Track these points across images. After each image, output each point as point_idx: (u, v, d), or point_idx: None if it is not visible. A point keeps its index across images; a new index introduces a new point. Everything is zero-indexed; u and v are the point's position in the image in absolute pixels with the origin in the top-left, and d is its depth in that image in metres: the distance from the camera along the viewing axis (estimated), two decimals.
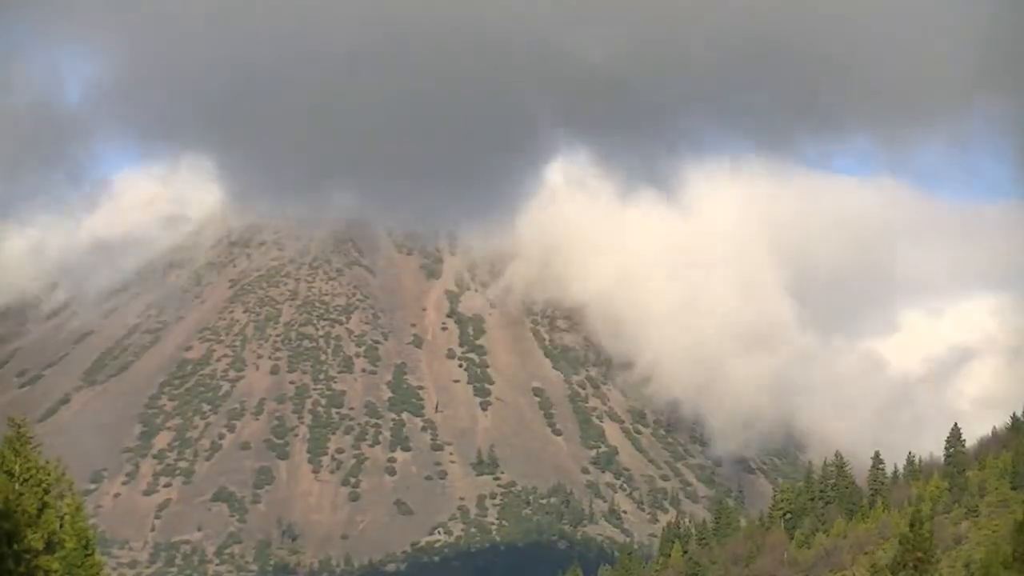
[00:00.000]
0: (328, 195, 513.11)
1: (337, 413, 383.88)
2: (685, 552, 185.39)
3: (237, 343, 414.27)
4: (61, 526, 52.32)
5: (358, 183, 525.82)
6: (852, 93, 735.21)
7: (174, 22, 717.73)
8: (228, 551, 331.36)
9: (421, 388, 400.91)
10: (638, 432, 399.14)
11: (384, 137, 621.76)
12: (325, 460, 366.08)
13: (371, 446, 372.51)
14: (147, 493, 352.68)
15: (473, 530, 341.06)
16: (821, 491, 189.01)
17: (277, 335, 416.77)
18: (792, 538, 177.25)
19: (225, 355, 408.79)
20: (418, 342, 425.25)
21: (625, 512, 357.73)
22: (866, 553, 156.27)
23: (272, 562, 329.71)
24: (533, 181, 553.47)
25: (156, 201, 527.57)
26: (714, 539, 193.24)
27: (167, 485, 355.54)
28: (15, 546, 47.62)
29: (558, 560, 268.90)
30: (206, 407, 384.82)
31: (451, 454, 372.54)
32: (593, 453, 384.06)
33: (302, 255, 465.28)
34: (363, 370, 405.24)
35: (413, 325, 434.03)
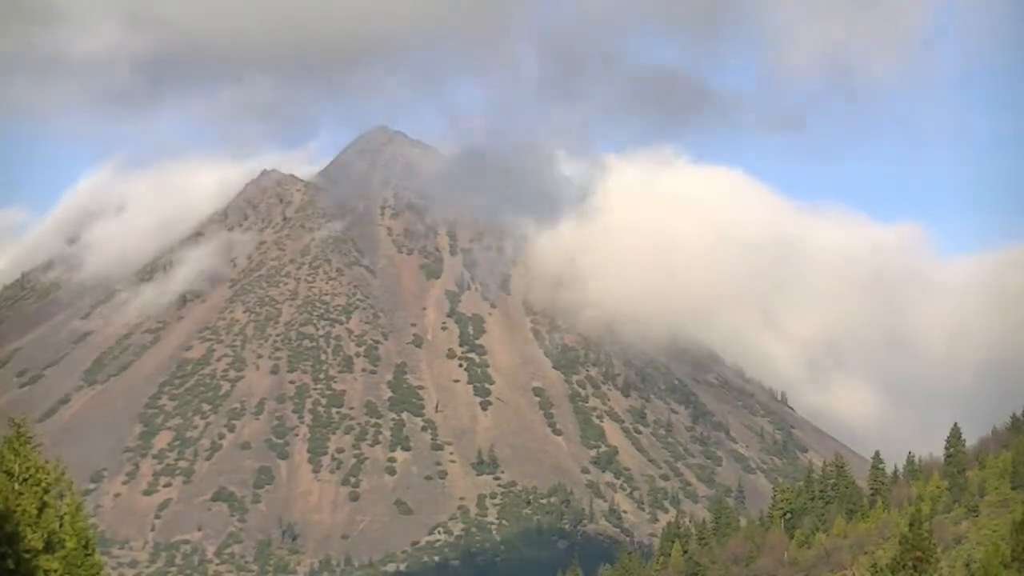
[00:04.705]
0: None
1: (337, 413, 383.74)
2: (685, 552, 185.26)
3: (237, 343, 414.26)
4: (61, 526, 52.25)
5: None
6: None
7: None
8: (228, 551, 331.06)
9: (421, 388, 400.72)
10: (638, 432, 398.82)
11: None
12: (325, 460, 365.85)
13: (371, 446, 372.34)
14: (147, 493, 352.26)
15: (473, 530, 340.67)
16: (821, 491, 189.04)
17: (277, 335, 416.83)
18: (792, 538, 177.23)
19: (225, 355, 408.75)
20: (418, 342, 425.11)
21: (625, 512, 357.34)
22: (866, 553, 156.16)
23: (272, 562, 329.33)
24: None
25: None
26: (714, 539, 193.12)
27: (167, 485, 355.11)
28: (15, 546, 47.59)
29: (558, 560, 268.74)
30: (206, 407, 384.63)
31: (451, 454, 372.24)
32: (593, 453, 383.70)
33: (302, 255, 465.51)
34: (363, 370, 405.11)
35: (413, 325, 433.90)
